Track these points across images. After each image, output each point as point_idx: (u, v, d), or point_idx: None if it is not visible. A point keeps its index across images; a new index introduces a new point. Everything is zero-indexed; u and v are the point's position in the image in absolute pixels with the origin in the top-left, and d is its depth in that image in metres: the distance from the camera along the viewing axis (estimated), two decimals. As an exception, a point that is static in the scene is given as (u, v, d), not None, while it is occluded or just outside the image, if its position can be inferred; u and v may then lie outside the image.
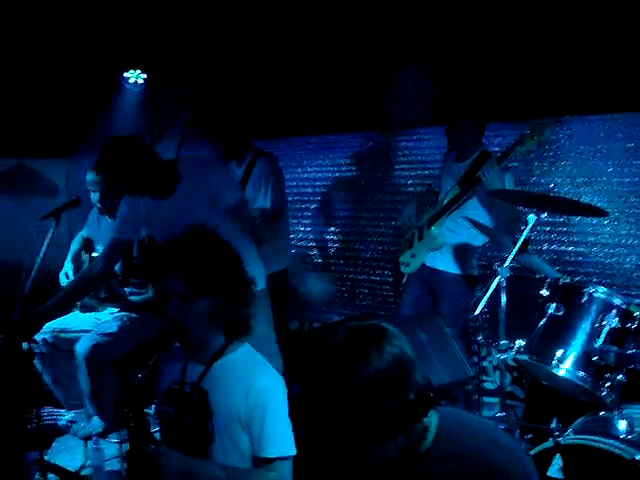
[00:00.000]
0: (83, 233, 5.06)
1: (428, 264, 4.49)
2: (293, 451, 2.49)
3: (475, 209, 4.30)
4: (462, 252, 4.42)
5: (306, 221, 6.27)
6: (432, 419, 1.83)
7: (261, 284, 3.92)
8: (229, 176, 4.19)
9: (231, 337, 2.56)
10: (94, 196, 4.67)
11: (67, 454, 4.40)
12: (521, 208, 4.31)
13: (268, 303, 4.06)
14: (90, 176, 4.65)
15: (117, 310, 4.69)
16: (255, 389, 2.45)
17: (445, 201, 4.40)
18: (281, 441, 2.46)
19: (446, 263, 4.44)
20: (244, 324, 2.56)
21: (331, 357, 1.69)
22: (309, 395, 1.68)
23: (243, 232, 3.90)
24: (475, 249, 4.46)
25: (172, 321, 2.49)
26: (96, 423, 4.57)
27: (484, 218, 4.25)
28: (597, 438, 2.89)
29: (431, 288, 4.50)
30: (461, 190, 4.31)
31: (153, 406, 4.80)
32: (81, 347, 4.39)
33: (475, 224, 4.03)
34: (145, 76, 6.26)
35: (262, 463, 2.46)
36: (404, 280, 4.72)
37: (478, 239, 4.39)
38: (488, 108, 4.36)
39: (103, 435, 4.46)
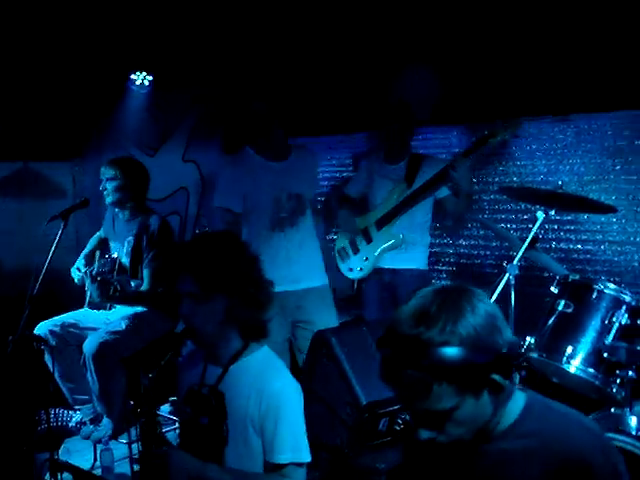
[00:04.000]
0: (101, 233, 5.06)
1: (388, 266, 4.49)
2: (308, 458, 2.46)
3: (426, 202, 4.43)
4: (421, 248, 4.54)
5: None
6: (518, 398, 1.82)
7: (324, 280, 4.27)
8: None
9: (248, 340, 2.54)
10: (108, 185, 4.66)
11: (77, 455, 4.41)
12: (529, 205, 4.34)
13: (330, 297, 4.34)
14: (106, 172, 4.66)
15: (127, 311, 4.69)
16: (268, 393, 2.43)
17: (394, 201, 4.44)
18: (295, 447, 2.43)
19: (409, 261, 4.48)
20: (260, 327, 2.54)
21: (423, 317, 1.65)
22: (397, 359, 1.64)
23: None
24: (428, 244, 4.60)
25: (185, 320, 2.50)
26: (106, 424, 4.58)
27: (430, 213, 4.50)
28: (608, 434, 2.89)
29: (395, 290, 4.48)
30: (419, 188, 4.36)
31: (163, 407, 4.88)
32: (89, 345, 4.39)
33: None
34: (151, 78, 6.27)
35: (274, 469, 2.43)
36: (355, 285, 4.71)
37: (427, 233, 4.56)
38: (491, 106, 4.37)
39: (113, 436, 4.47)
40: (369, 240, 4.51)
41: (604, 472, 1.69)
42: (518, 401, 1.81)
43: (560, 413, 1.84)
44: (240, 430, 2.45)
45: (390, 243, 4.42)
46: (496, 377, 1.67)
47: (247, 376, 2.48)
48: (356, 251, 4.56)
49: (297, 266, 4.20)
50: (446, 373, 1.61)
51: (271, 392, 2.43)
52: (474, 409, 1.70)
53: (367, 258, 4.47)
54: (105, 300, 4.60)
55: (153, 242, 4.59)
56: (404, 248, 4.43)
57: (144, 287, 4.58)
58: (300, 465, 2.44)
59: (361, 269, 4.51)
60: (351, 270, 4.57)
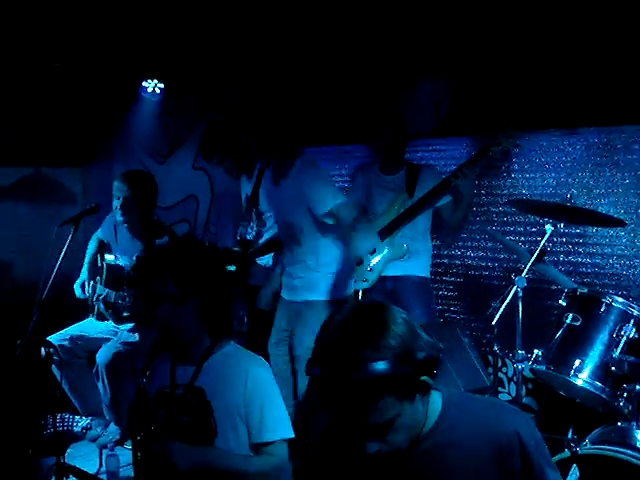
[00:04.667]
0: (99, 234, 5.06)
1: (391, 274, 4.49)
2: (292, 434, 2.66)
3: (425, 213, 4.48)
4: (424, 256, 4.59)
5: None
6: (436, 397, 1.89)
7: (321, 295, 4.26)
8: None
9: (217, 337, 2.69)
10: (116, 202, 4.68)
11: (82, 460, 4.42)
12: (537, 218, 4.33)
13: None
14: (118, 183, 4.67)
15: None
16: (251, 380, 2.59)
17: (395, 211, 4.46)
18: (280, 424, 2.63)
19: (412, 269, 4.50)
20: (228, 325, 2.74)
21: (350, 332, 1.71)
22: (333, 375, 1.68)
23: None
24: (430, 251, 4.66)
25: (163, 323, 2.62)
26: (113, 430, 4.59)
27: (430, 221, 4.56)
28: (615, 448, 2.88)
29: (397, 297, 4.49)
30: (422, 198, 4.38)
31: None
32: (102, 355, 4.42)
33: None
34: (163, 86, 6.29)
35: (262, 447, 2.61)
36: (360, 296, 4.72)
37: (429, 240, 4.63)
38: (501, 118, 4.37)
39: (120, 442, 4.48)
40: (373, 251, 4.51)
41: (530, 438, 1.83)
42: (436, 400, 1.89)
43: (477, 401, 1.99)
44: (227, 420, 2.58)
45: (394, 253, 4.42)
46: (425, 378, 1.76)
47: (223, 369, 2.63)
48: (360, 262, 4.55)
49: (294, 279, 4.34)
50: (385, 386, 1.67)
51: (252, 378, 2.60)
52: (412, 414, 1.78)
53: (371, 269, 4.46)
54: (119, 322, 4.66)
55: None
56: (407, 257, 4.44)
57: None
58: (285, 441, 2.65)
59: (365, 280, 4.50)
60: (356, 281, 4.57)
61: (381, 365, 1.65)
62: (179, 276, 2.56)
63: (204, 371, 2.62)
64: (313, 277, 4.27)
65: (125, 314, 4.59)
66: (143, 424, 2.54)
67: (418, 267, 4.55)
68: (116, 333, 4.73)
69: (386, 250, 4.43)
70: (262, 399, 2.60)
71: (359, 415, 1.70)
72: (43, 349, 3.93)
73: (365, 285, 4.50)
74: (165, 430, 2.61)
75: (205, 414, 2.57)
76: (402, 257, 4.43)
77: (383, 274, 4.46)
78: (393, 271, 4.48)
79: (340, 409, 1.72)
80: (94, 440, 4.66)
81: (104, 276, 4.78)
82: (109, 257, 4.88)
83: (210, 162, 4.96)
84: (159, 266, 2.61)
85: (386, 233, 4.45)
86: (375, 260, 4.45)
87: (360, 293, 4.61)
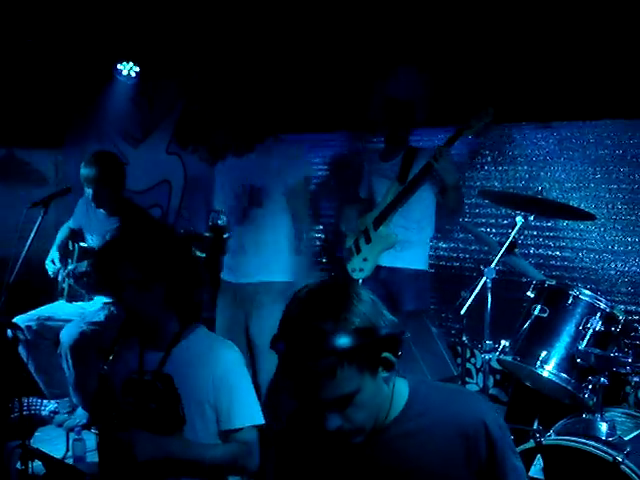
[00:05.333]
0: (70, 224, 5.04)
1: (385, 264, 4.49)
2: (262, 420, 2.62)
3: (421, 199, 4.41)
4: (418, 247, 4.51)
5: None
6: (402, 385, 1.91)
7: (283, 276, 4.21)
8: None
9: (185, 322, 2.65)
10: (88, 191, 4.64)
11: (49, 444, 4.39)
12: (509, 210, 4.36)
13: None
14: (85, 171, 4.62)
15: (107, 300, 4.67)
16: (219, 365, 2.57)
17: (389, 199, 4.44)
18: (250, 411, 2.59)
19: (405, 260, 4.46)
20: (197, 308, 2.73)
21: (313, 306, 1.74)
22: (295, 347, 1.72)
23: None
24: (427, 242, 4.58)
25: (128, 308, 2.59)
26: (80, 414, 4.57)
27: (430, 206, 4.47)
28: (578, 439, 2.93)
29: (390, 288, 4.47)
30: (408, 184, 4.36)
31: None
32: (66, 335, 4.38)
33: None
34: (138, 69, 6.23)
35: (231, 434, 2.57)
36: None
37: (427, 231, 4.53)
38: (478, 109, 4.38)
39: (87, 427, 4.46)
40: (368, 240, 4.51)
41: (496, 426, 1.85)
42: (402, 388, 1.92)
43: (443, 389, 2.02)
44: (195, 407, 2.55)
45: (385, 242, 4.43)
46: (387, 355, 1.78)
47: (192, 355, 2.59)
48: (358, 251, 4.56)
49: (249, 258, 4.25)
50: (346, 357, 1.69)
51: (221, 364, 2.57)
52: (374, 392, 1.80)
53: (366, 258, 4.47)
54: (93, 293, 4.61)
55: None
56: (400, 247, 4.42)
57: None
58: (255, 427, 2.60)
59: (362, 269, 4.51)
60: (354, 271, 4.58)
61: (342, 337, 1.68)
62: (138, 260, 2.52)
63: (172, 357, 2.59)
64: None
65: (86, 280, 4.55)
66: (106, 411, 2.53)
67: (411, 259, 4.47)
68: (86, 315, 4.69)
69: (378, 240, 4.44)
70: (231, 385, 2.57)
71: (320, 387, 1.72)
72: (9, 331, 3.90)
73: (361, 275, 4.52)
74: (134, 417, 2.59)
75: (173, 401, 2.54)
76: (392, 247, 4.43)
77: (380, 264, 4.47)
78: (387, 261, 4.47)
79: (302, 382, 1.74)
80: (61, 424, 4.64)
81: (75, 257, 4.75)
82: (82, 243, 4.86)
83: (184, 150, 4.95)
84: (117, 250, 2.57)
85: (378, 222, 4.45)
86: (369, 249, 4.46)
87: (359, 283, 4.61)
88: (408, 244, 4.45)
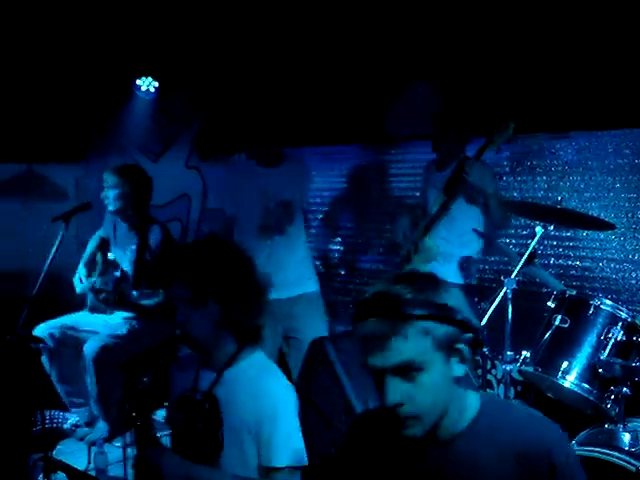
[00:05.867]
0: (101, 232, 5.05)
1: None
2: (304, 461, 2.44)
3: (464, 212, 4.33)
4: (460, 260, 4.46)
5: (312, 230, 6.26)
6: (473, 398, 1.87)
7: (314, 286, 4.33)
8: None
9: (243, 344, 2.53)
10: (110, 193, 4.67)
11: (71, 457, 4.39)
12: (529, 221, 4.34)
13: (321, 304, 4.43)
14: (112, 176, 4.66)
15: (127, 315, 4.70)
16: (265, 397, 2.42)
17: (434, 210, 4.41)
18: (292, 450, 2.41)
19: (446, 273, 4.39)
20: (255, 331, 2.56)
21: (402, 285, 1.76)
22: (376, 309, 1.75)
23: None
24: (471, 256, 4.51)
25: (180, 326, 2.51)
26: (101, 427, 4.58)
27: (474, 220, 4.33)
28: (601, 450, 2.90)
29: None
30: (447, 197, 4.33)
31: (159, 411, 4.88)
32: (89, 348, 4.41)
33: (478, 233, 4.07)
34: (157, 84, 6.28)
35: (270, 472, 2.41)
36: None
37: (472, 246, 4.45)
38: (492, 123, 4.39)
39: (108, 439, 4.47)
40: (416, 251, 4.49)
41: (563, 458, 1.78)
42: (473, 401, 1.87)
43: (515, 409, 1.96)
44: (236, 435, 2.43)
45: (428, 254, 4.40)
46: (462, 347, 1.77)
47: (242, 380, 2.47)
48: (409, 261, 4.54)
49: (287, 273, 4.28)
50: (420, 321, 1.71)
51: (267, 396, 2.42)
52: (441, 377, 1.76)
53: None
54: (107, 306, 4.63)
55: (155, 257, 4.59)
56: (440, 260, 4.37)
57: (151, 301, 4.59)
58: (296, 469, 2.43)
59: None
60: None
61: (419, 304, 1.71)
62: (192, 277, 2.44)
63: (224, 379, 2.50)
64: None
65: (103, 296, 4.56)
66: (142, 427, 2.48)
67: (451, 272, 4.38)
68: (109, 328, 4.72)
69: (423, 252, 4.41)
70: (274, 420, 2.39)
71: (390, 347, 1.71)
72: (32, 345, 3.93)
73: None
74: (181, 434, 2.56)
75: (215, 425, 2.45)
76: (434, 259, 4.38)
77: None
78: None
79: (375, 340, 1.73)
80: (82, 438, 4.65)
81: (98, 269, 4.79)
82: (109, 255, 4.89)
83: (205, 162, 4.98)
84: (174, 267, 2.52)
85: (423, 234, 4.44)
86: (417, 261, 4.43)
87: None
88: (450, 257, 4.41)
